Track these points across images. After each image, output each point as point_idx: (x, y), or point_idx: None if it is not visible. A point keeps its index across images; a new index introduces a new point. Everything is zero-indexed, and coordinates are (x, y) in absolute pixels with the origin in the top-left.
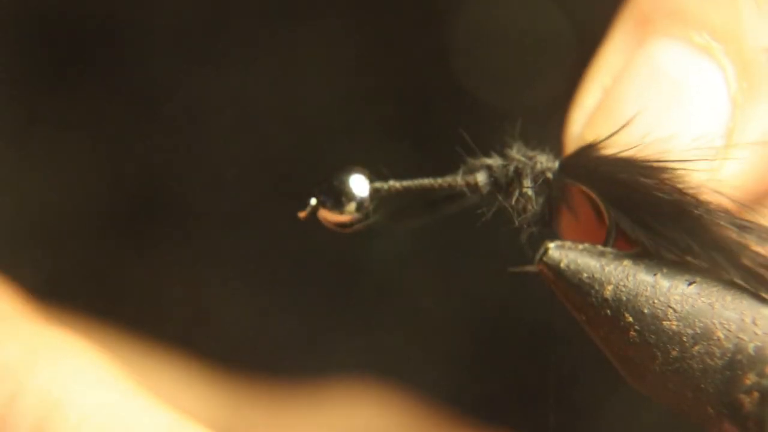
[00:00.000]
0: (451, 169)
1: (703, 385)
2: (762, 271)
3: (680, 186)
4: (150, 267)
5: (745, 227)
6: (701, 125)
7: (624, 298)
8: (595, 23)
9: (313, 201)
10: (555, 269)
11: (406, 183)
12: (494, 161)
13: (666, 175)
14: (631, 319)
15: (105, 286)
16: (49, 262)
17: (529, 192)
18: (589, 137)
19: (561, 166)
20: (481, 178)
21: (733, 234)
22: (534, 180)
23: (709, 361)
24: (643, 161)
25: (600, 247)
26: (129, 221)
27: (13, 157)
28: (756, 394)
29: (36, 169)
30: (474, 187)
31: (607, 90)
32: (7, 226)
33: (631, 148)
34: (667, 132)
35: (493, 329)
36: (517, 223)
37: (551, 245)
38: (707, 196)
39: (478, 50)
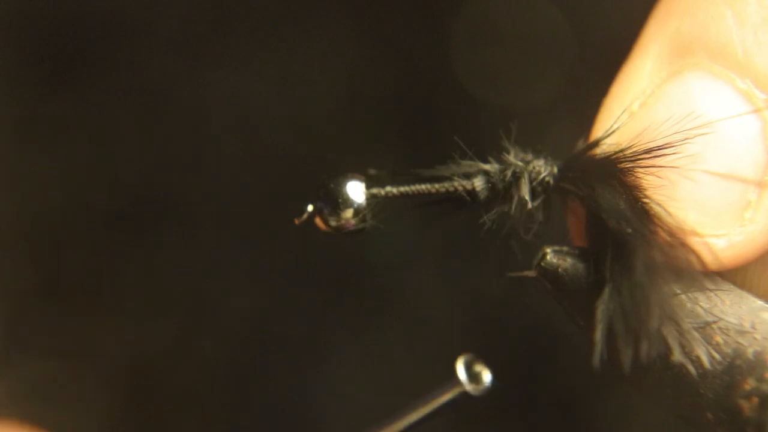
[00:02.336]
0: (451, 172)
1: (702, 390)
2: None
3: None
4: (150, 267)
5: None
6: (731, 172)
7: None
8: (595, 23)
9: (310, 207)
10: (552, 274)
11: (403, 188)
12: (491, 166)
13: (640, 196)
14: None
15: (105, 286)
16: (49, 262)
17: (527, 197)
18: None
19: (559, 171)
20: (478, 183)
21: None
22: (531, 185)
23: (708, 366)
24: (624, 175)
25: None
26: (129, 221)
27: (13, 157)
28: (755, 399)
29: (36, 169)
30: (471, 193)
31: (633, 115)
32: (8, 226)
33: (629, 153)
34: (694, 172)
35: (493, 329)
36: (514, 228)
37: (549, 251)
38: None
39: (478, 50)
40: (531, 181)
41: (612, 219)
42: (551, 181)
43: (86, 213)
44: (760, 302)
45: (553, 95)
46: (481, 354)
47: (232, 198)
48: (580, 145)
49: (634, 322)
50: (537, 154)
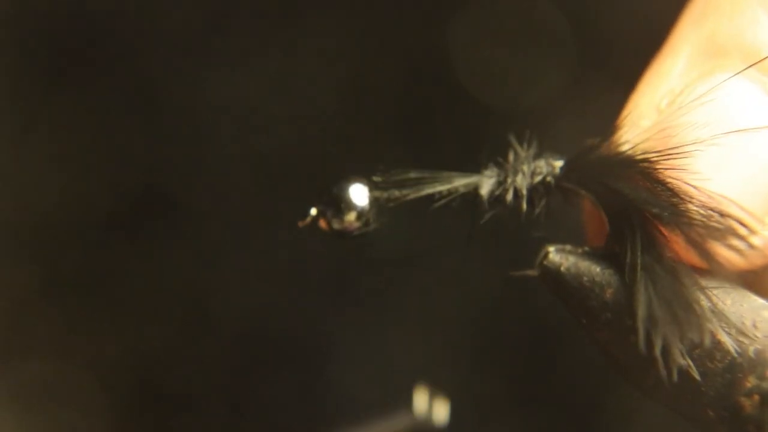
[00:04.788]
0: (453, 171)
1: (703, 388)
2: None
3: (677, 193)
4: (150, 267)
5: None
6: (757, 179)
7: (624, 302)
8: (595, 23)
9: (313, 211)
10: (555, 273)
11: (406, 192)
12: (493, 168)
13: (664, 181)
14: (631, 322)
15: (105, 286)
16: (49, 262)
17: (527, 195)
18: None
19: (562, 170)
20: (480, 184)
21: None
22: (534, 185)
23: (709, 364)
24: (644, 166)
25: (601, 251)
26: (129, 221)
27: (13, 157)
28: (756, 397)
29: (36, 169)
30: (474, 194)
31: (662, 112)
32: (7, 226)
33: (634, 152)
34: (720, 175)
35: (493, 329)
36: (517, 227)
37: (551, 249)
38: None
39: (478, 50)
40: (532, 182)
41: (642, 206)
42: (552, 181)
43: (86, 213)
44: (761, 301)
45: (554, 96)
46: (480, 353)
47: (232, 198)
48: (587, 143)
49: (676, 310)
50: (538, 154)
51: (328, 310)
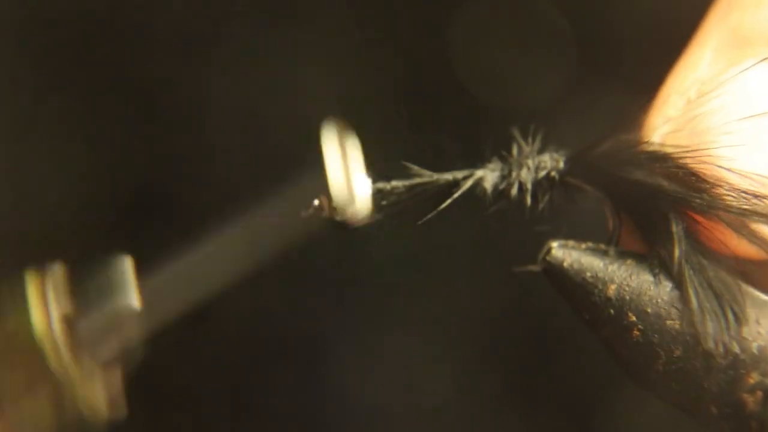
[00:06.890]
0: (454, 169)
1: (706, 385)
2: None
3: (685, 183)
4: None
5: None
6: None
7: (627, 298)
8: (596, 23)
9: (316, 201)
10: (558, 269)
11: (409, 183)
12: (497, 161)
13: (671, 173)
14: (634, 318)
15: None
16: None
17: (531, 189)
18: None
19: (566, 165)
20: (484, 178)
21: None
22: (538, 180)
23: (712, 360)
24: (675, 155)
25: (603, 246)
26: (129, 221)
27: (13, 157)
28: (759, 394)
29: (36, 168)
30: (477, 188)
31: (691, 102)
32: (8, 226)
33: (636, 147)
34: (747, 160)
35: (493, 329)
36: (519, 222)
37: (554, 244)
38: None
39: (479, 50)
40: (536, 176)
41: (675, 195)
42: (557, 176)
43: (86, 212)
44: (764, 297)
45: (554, 95)
46: (480, 353)
47: (232, 197)
48: (592, 139)
49: (721, 298)
50: (542, 149)
51: (329, 310)
